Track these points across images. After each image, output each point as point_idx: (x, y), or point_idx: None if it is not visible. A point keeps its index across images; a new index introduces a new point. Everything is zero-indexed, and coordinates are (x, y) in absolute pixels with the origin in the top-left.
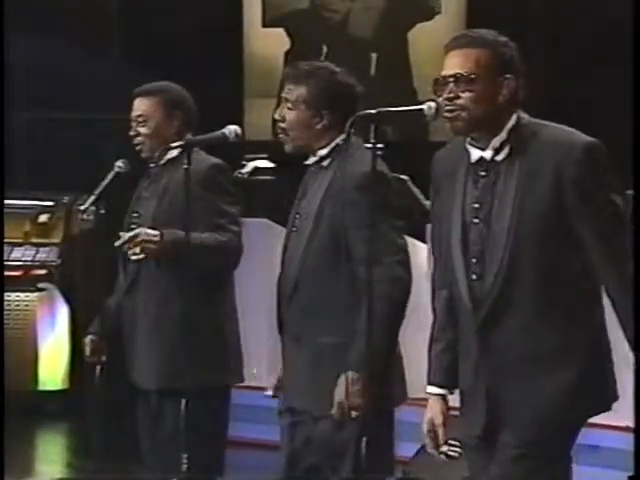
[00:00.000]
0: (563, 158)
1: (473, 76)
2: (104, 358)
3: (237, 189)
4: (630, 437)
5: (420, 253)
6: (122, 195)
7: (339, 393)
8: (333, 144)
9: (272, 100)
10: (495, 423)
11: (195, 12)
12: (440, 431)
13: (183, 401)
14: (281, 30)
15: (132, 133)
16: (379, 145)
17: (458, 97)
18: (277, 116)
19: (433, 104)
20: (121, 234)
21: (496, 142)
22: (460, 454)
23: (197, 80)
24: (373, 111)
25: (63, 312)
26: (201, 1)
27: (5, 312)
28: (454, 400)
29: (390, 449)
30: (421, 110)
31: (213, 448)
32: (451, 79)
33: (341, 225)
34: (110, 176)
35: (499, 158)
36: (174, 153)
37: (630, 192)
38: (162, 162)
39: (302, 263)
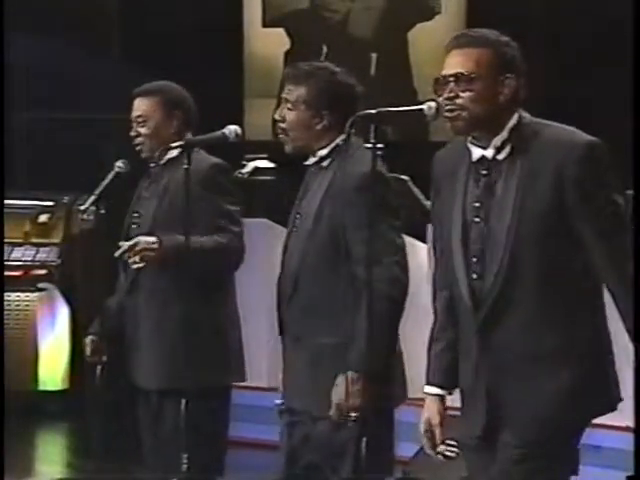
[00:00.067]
0: (564, 157)
1: (473, 75)
2: (105, 358)
3: (237, 189)
4: (630, 437)
5: (420, 253)
6: (122, 195)
7: (337, 394)
8: (333, 144)
9: (272, 100)
10: (495, 423)
11: (195, 12)
12: (437, 431)
13: (183, 401)
14: (281, 30)
15: (132, 133)
16: (379, 145)
17: (458, 97)
18: (277, 116)
19: (433, 104)
20: (120, 243)
21: (497, 141)
22: (457, 454)
23: (197, 80)
24: (373, 111)
25: (63, 312)
26: (201, 1)
27: (5, 312)
28: (455, 400)
29: (390, 449)
30: (421, 110)
31: (213, 448)
32: (451, 78)
33: (341, 225)
34: (110, 176)
35: (500, 157)
36: (174, 153)
37: (630, 192)
38: (162, 162)
39: (302, 263)
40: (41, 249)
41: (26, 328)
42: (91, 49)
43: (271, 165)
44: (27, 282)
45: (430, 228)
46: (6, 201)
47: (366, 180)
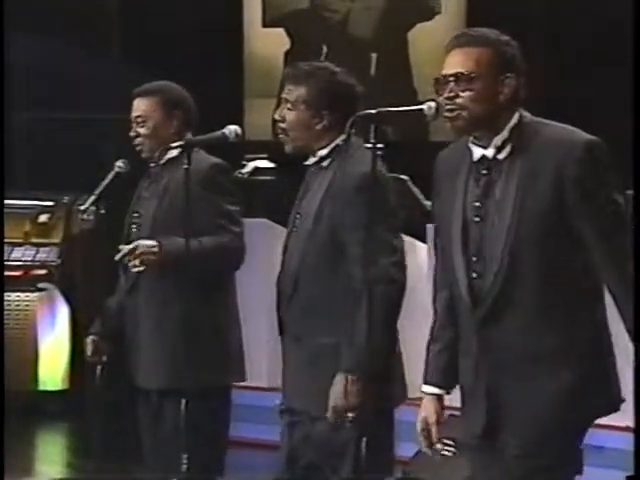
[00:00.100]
0: (564, 157)
1: (473, 75)
2: (105, 358)
3: (237, 189)
4: (630, 437)
5: (420, 253)
6: (122, 195)
7: (333, 395)
8: (333, 144)
9: (272, 100)
10: (495, 423)
11: (195, 12)
12: (433, 430)
13: (183, 401)
14: (281, 30)
15: (132, 134)
16: (379, 145)
17: (458, 96)
18: (277, 116)
19: (433, 104)
20: (120, 247)
21: (498, 140)
22: (454, 453)
23: (197, 80)
24: (373, 111)
25: (63, 312)
26: (201, 1)
27: (5, 312)
28: (456, 400)
29: (390, 449)
30: (421, 110)
31: (213, 448)
32: (451, 78)
33: (340, 225)
34: (110, 176)
35: (501, 156)
36: (174, 153)
37: (630, 192)
38: (162, 162)
39: (302, 263)
40: (41, 249)
41: (26, 328)
42: (91, 49)
43: (271, 165)
44: (27, 282)
45: (430, 228)
46: (6, 201)
47: (365, 181)
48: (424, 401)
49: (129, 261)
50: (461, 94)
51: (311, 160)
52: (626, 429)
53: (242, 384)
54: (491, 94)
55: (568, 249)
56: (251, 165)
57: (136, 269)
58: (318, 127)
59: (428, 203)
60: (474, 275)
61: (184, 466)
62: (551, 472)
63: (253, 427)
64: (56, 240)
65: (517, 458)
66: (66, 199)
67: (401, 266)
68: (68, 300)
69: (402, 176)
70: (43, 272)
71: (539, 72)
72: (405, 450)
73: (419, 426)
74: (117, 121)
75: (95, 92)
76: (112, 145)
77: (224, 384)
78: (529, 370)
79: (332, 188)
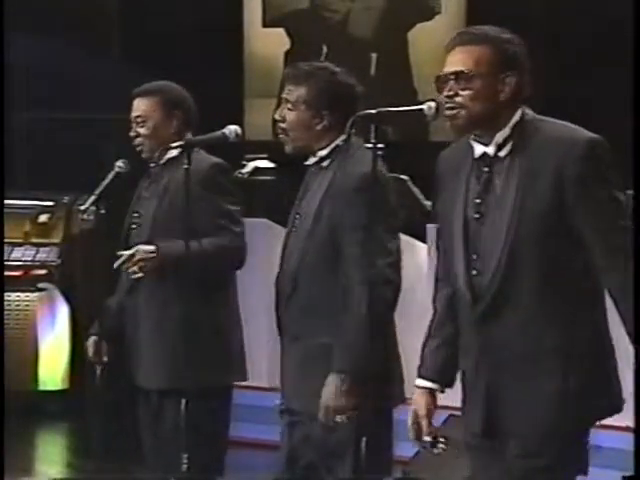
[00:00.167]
0: (565, 155)
1: (473, 74)
2: (106, 359)
3: (237, 189)
4: (630, 437)
5: (420, 253)
6: (122, 195)
7: (325, 395)
8: (333, 145)
9: (272, 100)
10: (495, 422)
11: (195, 12)
12: (423, 422)
13: (183, 401)
14: (281, 30)
15: (132, 134)
16: (379, 145)
17: (458, 95)
18: (277, 116)
19: (433, 104)
20: (119, 253)
21: (499, 137)
22: (444, 449)
23: (197, 80)
24: (373, 111)
25: (63, 312)
26: (201, 1)
27: (5, 312)
28: (456, 401)
29: (388, 449)
30: (421, 110)
31: (214, 448)
32: (452, 76)
33: (340, 225)
34: (110, 176)
35: (502, 154)
36: (174, 153)
37: (630, 192)
38: (162, 162)
39: (301, 262)
40: (41, 249)
41: (26, 328)
42: (91, 49)
43: (271, 165)
44: (27, 282)
45: (430, 228)
46: (6, 201)
47: (365, 181)
48: (416, 395)
49: (127, 268)
50: (461, 93)
51: (311, 160)
52: (626, 429)
53: (242, 384)
54: (491, 93)
55: (568, 249)
56: (251, 165)
57: (135, 276)
58: (318, 127)
59: (428, 203)
60: (474, 272)
61: (184, 466)
62: (551, 472)
63: (253, 427)
64: (56, 240)
65: (517, 458)
66: (66, 199)
67: (396, 267)
68: (68, 300)
69: (402, 176)
70: (43, 272)
71: (539, 72)
72: (405, 450)
73: (410, 419)
74: (117, 121)
75: (95, 92)
76: (112, 145)
77: (225, 384)
78: (529, 369)
79: (332, 188)
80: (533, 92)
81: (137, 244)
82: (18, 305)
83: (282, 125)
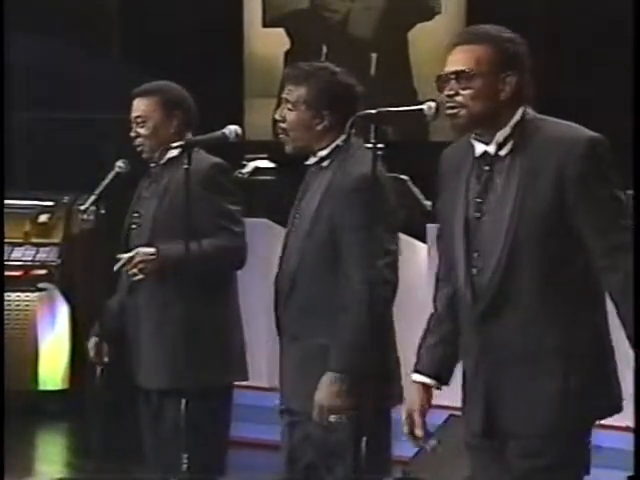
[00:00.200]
0: (566, 154)
1: (473, 73)
2: (107, 359)
3: (237, 189)
4: (630, 437)
5: (420, 253)
6: (122, 195)
7: (319, 394)
8: (333, 145)
9: (272, 100)
10: (494, 421)
11: (195, 12)
12: (416, 417)
13: (183, 401)
14: (281, 30)
15: (132, 134)
16: (379, 145)
17: (458, 94)
18: (277, 116)
19: (433, 104)
20: (119, 256)
21: (500, 136)
22: (434, 448)
23: (197, 80)
24: (373, 111)
25: (63, 312)
26: (201, 1)
27: (5, 312)
28: (457, 401)
29: (387, 449)
30: (421, 110)
31: (214, 448)
32: (452, 76)
33: (339, 225)
34: (110, 176)
35: (503, 153)
36: (174, 153)
37: (630, 192)
38: (162, 162)
39: (299, 262)
40: (41, 249)
41: (26, 328)
42: (91, 49)
43: (271, 165)
44: (27, 282)
45: (430, 228)
46: (6, 201)
47: (364, 182)
48: (411, 390)
49: (127, 270)
50: (461, 92)
51: (311, 160)
52: (626, 429)
53: (242, 384)
54: (492, 92)
55: (568, 248)
56: (251, 165)
57: (136, 278)
58: (318, 127)
59: (428, 203)
60: (474, 271)
61: (184, 466)
62: (551, 472)
63: (253, 427)
64: (56, 240)
65: (517, 458)
66: (66, 199)
67: (394, 267)
68: (68, 300)
69: (402, 176)
70: (43, 272)
71: (539, 72)
72: (405, 450)
73: (403, 414)
74: (117, 121)
75: (95, 92)
76: (112, 145)
77: (226, 384)
78: (529, 370)
79: (331, 188)
80: (534, 91)
81: (137, 244)
82: (18, 305)
83: (282, 125)
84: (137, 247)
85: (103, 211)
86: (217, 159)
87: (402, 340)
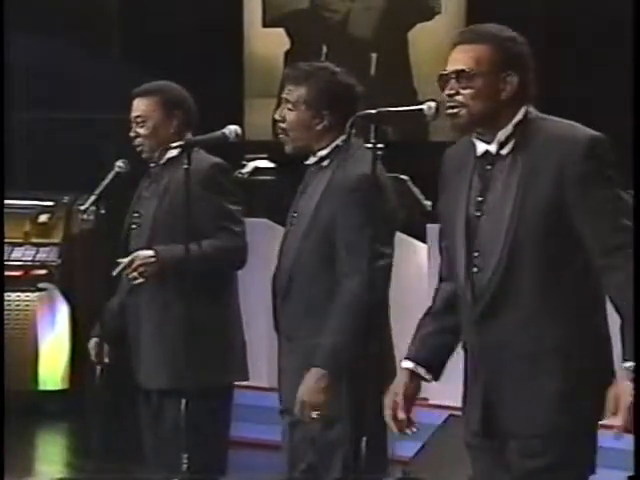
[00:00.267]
0: (567, 153)
1: (473, 73)
2: (107, 360)
3: (238, 189)
4: (630, 437)
5: (420, 253)
6: (122, 195)
7: (302, 389)
8: (333, 145)
9: (272, 100)
10: (494, 421)
11: (195, 12)
12: (399, 401)
13: (183, 401)
14: (281, 30)
15: (132, 134)
16: (379, 145)
17: (459, 93)
18: (277, 116)
19: (433, 104)
20: (118, 260)
21: (501, 136)
22: (414, 432)
23: (197, 80)
24: (373, 111)
25: (63, 312)
26: (201, 1)
27: (5, 312)
28: (457, 401)
29: (384, 449)
30: (421, 110)
31: (214, 448)
32: (453, 75)
33: (335, 225)
34: (110, 176)
35: (504, 152)
36: (174, 153)
37: (630, 192)
38: (162, 162)
39: (296, 261)
40: (41, 249)
41: (26, 328)
42: (91, 49)
43: (271, 165)
44: (27, 282)
45: (430, 228)
46: (6, 201)
47: (362, 183)
48: (397, 376)
49: (127, 274)
50: (462, 91)
51: (311, 160)
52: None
53: (242, 384)
54: (492, 91)
55: (569, 248)
56: (251, 165)
57: (136, 282)
58: (318, 127)
59: (428, 203)
60: (475, 270)
61: (184, 466)
62: (551, 472)
63: (254, 427)
64: (56, 240)
65: (517, 458)
66: (66, 199)
67: (387, 271)
68: (68, 300)
69: (402, 176)
70: (43, 272)
71: (539, 72)
72: (405, 450)
73: (386, 399)
74: (117, 121)
75: (95, 92)
76: (112, 145)
77: (226, 383)
78: (529, 369)
79: (329, 188)
80: (537, 90)
81: (137, 244)
82: (18, 305)
83: (282, 125)
84: (137, 247)
85: (103, 211)
86: (217, 159)
87: (402, 340)
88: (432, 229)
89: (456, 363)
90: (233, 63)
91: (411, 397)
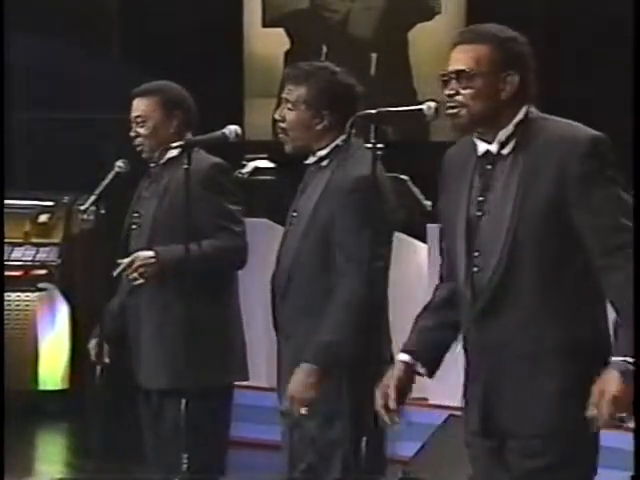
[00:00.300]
0: (567, 153)
1: (473, 72)
2: (107, 360)
3: (238, 189)
4: (630, 437)
5: (420, 253)
6: (122, 195)
7: (291, 384)
8: (333, 145)
9: (272, 100)
10: (494, 421)
11: (195, 12)
12: (390, 390)
13: (183, 401)
14: (281, 30)
15: (132, 134)
16: (379, 145)
17: (459, 93)
18: (277, 116)
19: (433, 104)
20: (118, 261)
21: (502, 135)
22: (397, 423)
23: (197, 80)
24: (373, 111)
25: (63, 312)
26: (201, 1)
27: (5, 312)
28: (457, 401)
29: (382, 448)
30: (421, 110)
31: (214, 448)
32: (453, 75)
33: (334, 226)
34: (110, 176)
35: (505, 152)
36: (174, 153)
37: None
38: (162, 162)
39: (295, 260)
40: (41, 249)
41: (26, 328)
42: (91, 49)
43: (271, 165)
44: (27, 282)
45: (430, 228)
46: (6, 201)
47: (361, 183)
48: (392, 368)
49: (127, 275)
50: (462, 91)
51: (311, 160)
52: (626, 429)
53: (242, 384)
54: (492, 91)
55: (569, 247)
56: (251, 165)
57: (136, 282)
58: (318, 127)
59: (428, 203)
60: (475, 269)
61: (184, 466)
62: (551, 472)
63: (254, 427)
64: (56, 240)
65: (517, 458)
66: (66, 199)
67: (384, 272)
68: (68, 300)
69: (402, 176)
70: (43, 272)
71: (539, 72)
72: (405, 450)
73: (378, 391)
74: (117, 121)
75: (95, 92)
76: (112, 145)
77: (226, 383)
78: (528, 369)
79: (328, 188)
80: (538, 90)
81: (137, 244)
82: (18, 305)
83: (282, 125)
84: (137, 247)
85: (103, 211)
86: (217, 159)
87: (402, 340)
88: (432, 229)
89: (456, 363)
90: (233, 63)
91: (404, 389)
